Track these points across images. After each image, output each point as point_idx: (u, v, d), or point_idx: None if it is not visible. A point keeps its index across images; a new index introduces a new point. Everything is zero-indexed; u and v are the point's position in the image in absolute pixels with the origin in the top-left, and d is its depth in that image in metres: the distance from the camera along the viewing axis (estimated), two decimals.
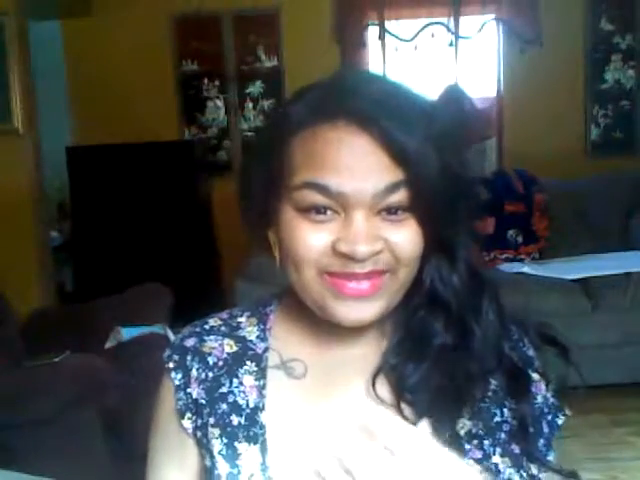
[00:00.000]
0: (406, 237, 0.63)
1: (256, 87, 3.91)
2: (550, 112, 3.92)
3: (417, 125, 0.61)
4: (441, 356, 0.67)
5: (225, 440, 0.68)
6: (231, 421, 0.68)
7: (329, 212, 0.62)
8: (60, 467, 1.63)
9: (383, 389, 0.68)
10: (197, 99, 3.92)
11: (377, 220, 0.62)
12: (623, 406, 2.89)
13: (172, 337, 2.41)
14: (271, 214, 0.66)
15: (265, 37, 3.86)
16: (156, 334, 2.39)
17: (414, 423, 0.64)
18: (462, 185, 0.64)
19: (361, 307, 0.63)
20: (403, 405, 0.66)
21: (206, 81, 3.90)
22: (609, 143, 3.97)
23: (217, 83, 3.90)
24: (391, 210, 0.62)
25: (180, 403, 0.70)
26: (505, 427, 0.68)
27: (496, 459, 0.66)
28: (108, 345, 2.35)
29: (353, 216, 0.61)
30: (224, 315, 0.76)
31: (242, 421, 0.68)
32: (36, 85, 3.02)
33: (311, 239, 0.62)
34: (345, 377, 0.70)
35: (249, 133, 3.94)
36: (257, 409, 0.69)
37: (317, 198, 0.61)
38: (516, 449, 0.67)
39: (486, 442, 0.67)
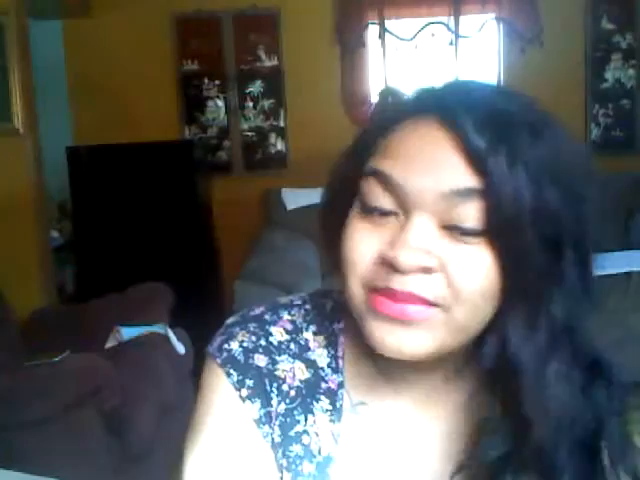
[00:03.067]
0: (471, 264, 0.51)
1: (256, 87, 3.90)
2: (550, 111, 3.91)
3: (509, 141, 0.51)
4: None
5: None
6: (302, 469, 0.59)
7: (392, 215, 0.53)
8: (60, 467, 1.62)
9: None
10: (197, 99, 3.91)
11: (441, 234, 0.52)
12: None
13: (173, 337, 2.41)
14: (345, 218, 0.57)
15: (265, 37, 3.86)
16: (156, 334, 2.39)
17: None
18: (559, 225, 0.52)
19: (399, 333, 0.53)
20: None
21: (206, 81, 3.90)
22: (609, 142, 3.97)
23: (217, 83, 3.90)
24: (462, 230, 0.51)
25: (269, 440, 0.59)
26: None
27: None
28: (108, 345, 2.35)
29: (413, 219, 0.52)
30: (287, 325, 0.63)
31: (312, 471, 0.59)
32: (36, 85, 3.02)
33: (362, 244, 0.54)
34: (415, 448, 0.61)
35: (249, 133, 3.94)
36: (330, 460, 0.59)
37: (379, 191, 0.53)
38: None
39: None
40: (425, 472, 0.60)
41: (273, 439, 0.59)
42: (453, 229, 0.52)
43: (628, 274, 2.98)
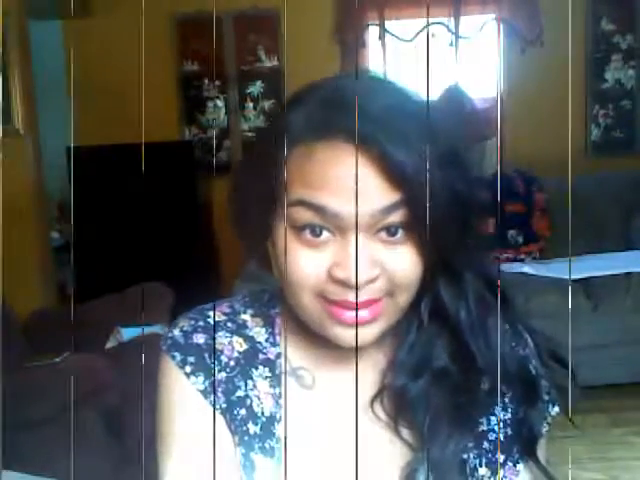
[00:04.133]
0: (404, 262, 0.61)
1: (256, 87, 3.90)
2: (550, 112, 3.92)
3: (419, 143, 0.58)
4: (443, 377, 0.66)
5: (243, 450, 0.66)
6: (248, 429, 0.66)
7: (325, 232, 0.60)
8: (60, 467, 1.62)
9: (382, 409, 0.68)
10: (197, 99, 3.91)
11: (375, 242, 0.60)
12: (624, 406, 2.88)
13: None
14: (269, 225, 0.64)
15: (265, 37, 3.86)
16: (156, 334, 2.39)
17: (411, 445, 0.66)
18: (467, 204, 0.62)
19: (361, 332, 0.61)
20: (401, 427, 0.67)
21: (206, 81, 3.90)
22: (610, 142, 3.97)
23: (217, 83, 3.90)
24: (390, 230, 0.60)
25: (217, 407, 0.66)
26: (491, 436, 0.68)
27: (482, 471, 0.67)
28: (108, 345, 2.35)
29: (349, 238, 0.59)
30: (225, 309, 0.72)
31: (257, 430, 0.66)
32: (36, 85, 3.02)
33: (307, 265, 0.60)
34: (347, 394, 0.69)
35: (249, 133, 3.94)
36: (273, 419, 0.67)
37: (312, 218, 0.59)
38: (500, 458, 0.68)
39: (472, 455, 0.67)
40: (363, 420, 0.68)
41: (220, 405, 0.67)
42: (384, 231, 0.60)
43: (628, 274, 2.98)
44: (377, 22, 3.78)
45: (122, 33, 3.84)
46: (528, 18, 3.76)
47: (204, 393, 0.66)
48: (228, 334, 0.69)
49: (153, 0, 3.84)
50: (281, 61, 3.88)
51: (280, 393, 0.68)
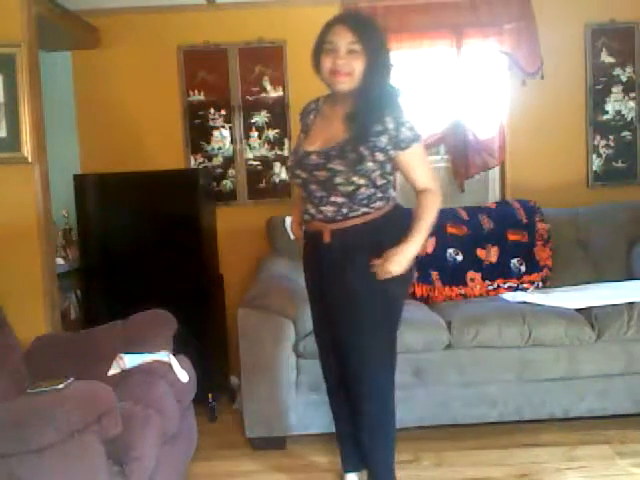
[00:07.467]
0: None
1: (261, 117, 3.96)
2: (552, 143, 3.96)
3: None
4: None
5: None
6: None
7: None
8: None
9: None
10: (203, 128, 3.97)
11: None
12: (627, 437, 2.86)
13: (176, 364, 2.42)
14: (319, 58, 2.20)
15: (270, 69, 3.93)
16: (160, 361, 2.39)
17: None
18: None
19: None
20: None
21: (212, 111, 3.96)
22: (611, 173, 4.00)
23: (223, 113, 3.95)
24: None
25: None
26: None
27: None
28: (111, 372, 2.35)
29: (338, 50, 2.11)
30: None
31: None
32: (45, 114, 3.07)
33: (326, 61, 2.22)
34: None
35: (254, 162, 3.99)
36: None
37: (328, 46, 2.14)
38: None
39: None
40: None
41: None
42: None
43: (630, 304, 2.98)
44: None
45: (130, 64, 3.91)
46: (528, 51, 3.82)
47: None
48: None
49: (161, 32, 3.92)
50: (286, 91, 3.94)
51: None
